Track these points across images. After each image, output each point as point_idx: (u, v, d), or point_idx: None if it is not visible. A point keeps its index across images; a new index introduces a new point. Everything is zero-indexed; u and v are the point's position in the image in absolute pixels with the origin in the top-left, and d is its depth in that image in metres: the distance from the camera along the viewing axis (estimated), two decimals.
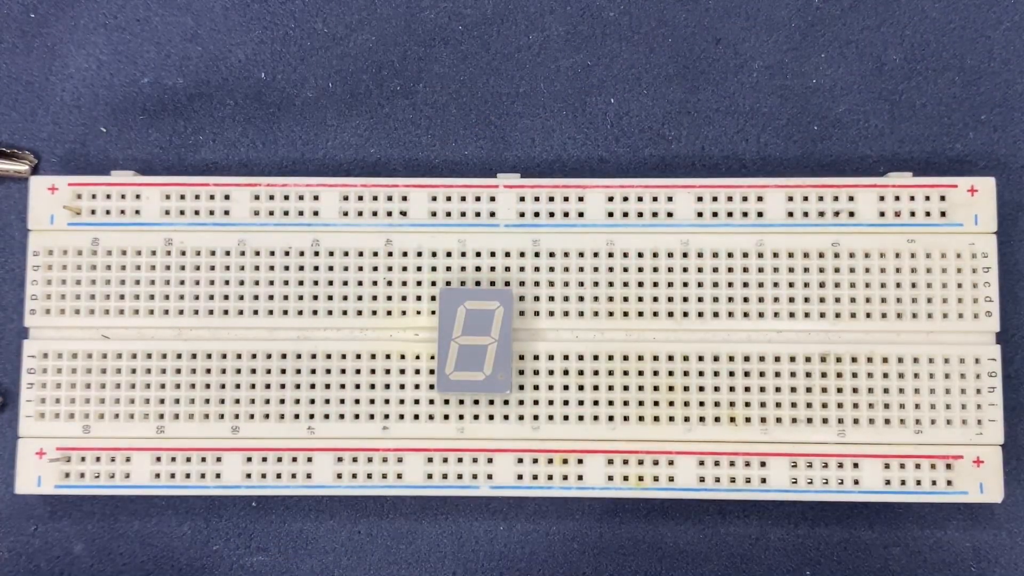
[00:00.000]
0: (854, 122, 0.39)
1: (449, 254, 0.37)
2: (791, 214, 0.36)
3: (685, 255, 0.36)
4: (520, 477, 0.36)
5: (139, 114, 0.40)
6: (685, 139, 0.39)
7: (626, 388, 0.36)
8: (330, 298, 0.37)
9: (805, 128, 0.39)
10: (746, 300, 0.36)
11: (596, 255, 0.36)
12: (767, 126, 0.39)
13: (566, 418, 0.36)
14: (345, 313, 0.37)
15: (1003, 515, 0.38)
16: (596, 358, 0.36)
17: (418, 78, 0.40)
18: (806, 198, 0.36)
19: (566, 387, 0.36)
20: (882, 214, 0.36)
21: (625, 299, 0.36)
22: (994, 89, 0.39)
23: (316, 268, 0.37)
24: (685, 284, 0.36)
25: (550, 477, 0.36)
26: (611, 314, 0.36)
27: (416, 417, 0.36)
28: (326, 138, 0.39)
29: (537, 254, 0.36)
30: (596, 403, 0.36)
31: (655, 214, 0.37)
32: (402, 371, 0.37)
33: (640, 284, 0.36)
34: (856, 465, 0.35)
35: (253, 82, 0.40)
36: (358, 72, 0.40)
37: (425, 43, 0.40)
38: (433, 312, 0.36)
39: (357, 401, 0.37)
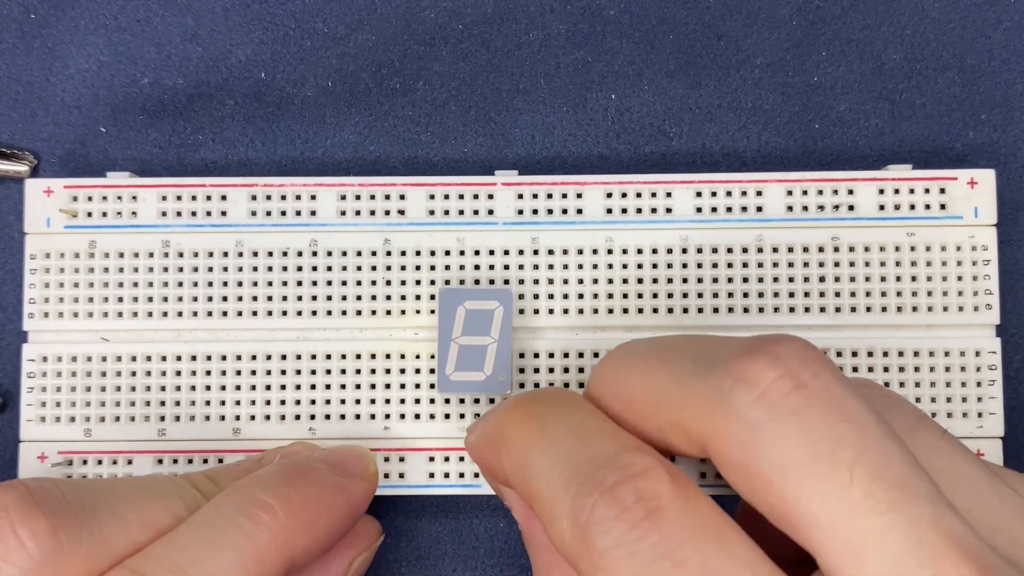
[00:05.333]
0: (855, 120, 0.39)
1: (448, 252, 0.37)
2: (790, 208, 0.36)
3: (684, 251, 0.36)
4: None
5: (139, 114, 0.40)
6: (686, 136, 0.39)
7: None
8: (329, 298, 0.37)
9: (806, 126, 0.39)
10: (746, 295, 0.36)
11: (595, 252, 0.36)
12: (768, 123, 0.39)
13: None
14: (344, 313, 0.37)
15: None
16: (596, 355, 0.36)
17: (418, 76, 0.40)
18: (805, 192, 0.36)
19: (567, 385, 0.36)
20: (882, 207, 0.36)
21: (625, 296, 0.36)
22: (994, 89, 0.39)
23: (315, 268, 0.37)
24: (685, 280, 0.36)
25: None
26: (611, 311, 0.36)
27: (417, 417, 0.36)
28: (325, 136, 0.39)
29: (536, 252, 0.36)
30: None
31: (654, 210, 0.36)
32: (402, 371, 0.36)
33: (640, 280, 0.36)
34: None
35: (253, 82, 0.40)
36: (358, 71, 0.40)
37: (425, 42, 0.40)
38: (432, 311, 0.36)
39: (358, 401, 0.36)
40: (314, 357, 0.36)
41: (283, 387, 0.37)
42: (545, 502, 0.25)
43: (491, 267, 0.36)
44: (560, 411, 0.27)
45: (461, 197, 0.37)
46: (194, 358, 0.37)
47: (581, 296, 0.36)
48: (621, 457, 0.24)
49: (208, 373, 0.37)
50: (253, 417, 0.36)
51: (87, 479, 0.29)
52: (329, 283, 0.37)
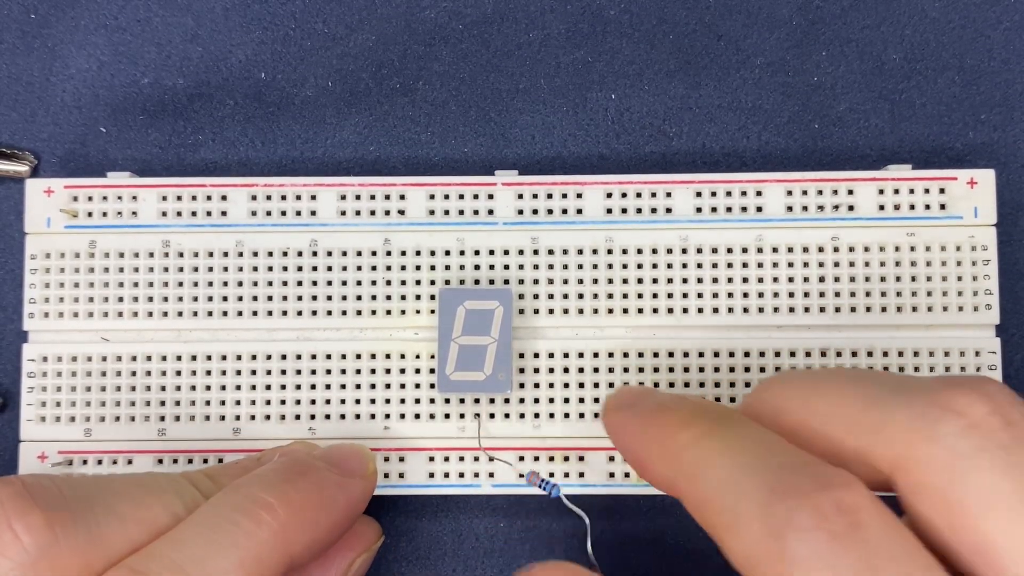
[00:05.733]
0: (855, 120, 0.39)
1: (448, 252, 0.37)
2: (790, 208, 0.36)
3: (684, 251, 0.36)
4: (521, 475, 0.36)
5: (139, 114, 0.40)
6: (686, 135, 0.39)
7: (626, 385, 0.36)
8: (329, 298, 0.37)
9: (806, 126, 0.39)
10: (746, 295, 0.36)
11: (595, 252, 0.36)
12: (768, 123, 0.39)
13: (567, 416, 0.36)
14: (344, 313, 0.37)
15: None
16: (596, 355, 0.36)
17: (418, 76, 0.40)
18: (805, 192, 0.36)
19: (567, 385, 0.36)
20: (881, 207, 0.36)
21: (625, 296, 0.36)
22: (994, 88, 0.39)
23: (315, 268, 0.37)
24: (685, 280, 0.36)
25: (551, 475, 0.36)
26: (611, 311, 0.36)
27: (417, 416, 0.36)
28: (325, 137, 0.39)
29: (536, 252, 0.36)
30: (597, 400, 0.36)
31: (654, 210, 0.36)
32: (402, 371, 0.36)
33: (640, 281, 0.36)
34: None
35: (253, 82, 0.40)
36: (358, 71, 0.40)
37: (425, 42, 0.40)
38: (432, 311, 0.36)
39: (358, 401, 0.36)
40: (314, 357, 0.36)
41: (283, 387, 0.37)
42: (726, 508, 0.24)
43: (491, 267, 0.36)
44: (737, 424, 0.26)
45: (461, 197, 0.37)
46: (194, 358, 0.37)
47: (581, 296, 0.36)
48: (816, 467, 0.23)
49: (208, 373, 0.37)
50: (253, 417, 0.36)
51: (85, 476, 0.29)
52: (329, 283, 0.37)
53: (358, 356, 0.36)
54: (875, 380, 0.25)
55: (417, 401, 0.36)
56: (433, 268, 0.37)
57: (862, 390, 0.25)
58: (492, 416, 0.36)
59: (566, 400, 0.36)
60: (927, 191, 0.36)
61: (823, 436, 0.25)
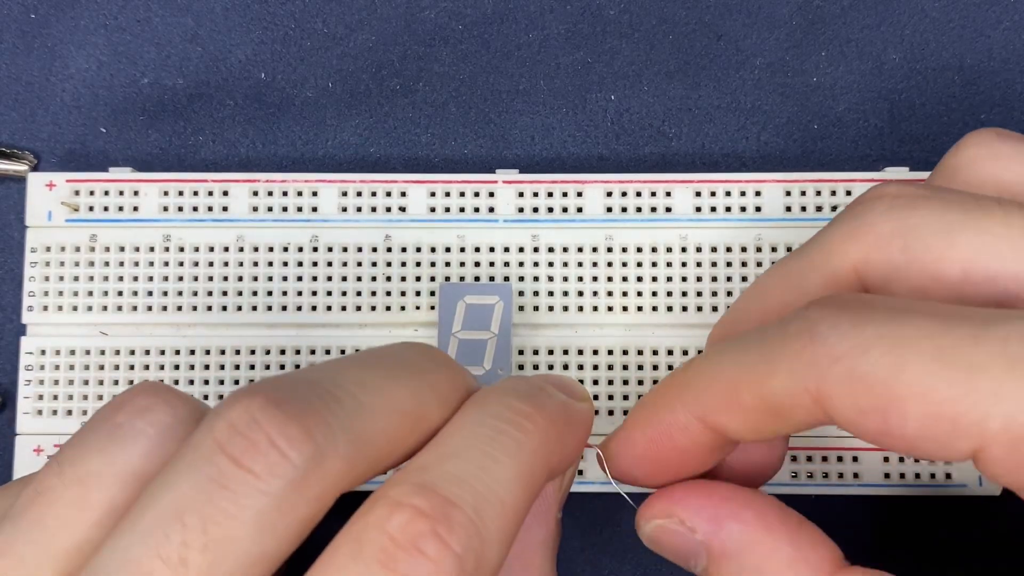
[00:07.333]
0: (854, 121, 0.39)
1: (448, 249, 0.37)
2: (789, 208, 0.36)
3: (684, 249, 0.36)
4: None
5: (139, 114, 0.40)
6: (686, 136, 0.39)
7: (625, 382, 0.36)
8: (329, 293, 0.37)
9: (805, 126, 0.39)
10: None
11: (595, 250, 0.36)
12: (768, 124, 0.39)
13: None
14: (344, 308, 0.37)
15: (1002, 508, 0.37)
16: (596, 352, 0.36)
17: (418, 77, 0.40)
18: (803, 193, 0.36)
19: None
20: None
21: (624, 294, 0.36)
22: (994, 89, 0.39)
23: (315, 264, 0.37)
24: (684, 279, 0.36)
25: None
26: (610, 308, 0.36)
27: None
28: (326, 138, 0.40)
29: (536, 249, 0.36)
30: (596, 397, 0.36)
31: (654, 209, 0.37)
32: None
33: (639, 279, 0.36)
34: (856, 459, 0.35)
35: (253, 82, 0.40)
36: (358, 72, 0.40)
37: (425, 42, 0.40)
38: (432, 307, 0.36)
39: None
40: (313, 352, 0.36)
41: None
42: (749, 381, 0.24)
43: (491, 264, 0.36)
44: (688, 364, 0.27)
45: (462, 194, 0.37)
46: (192, 352, 0.37)
47: (581, 293, 0.36)
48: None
49: (207, 367, 0.37)
50: None
51: (314, 368, 0.26)
52: (329, 279, 0.37)
53: (358, 351, 0.36)
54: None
55: None
56: (433, 265, 0.37)
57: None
58: None
59: None
60: None
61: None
